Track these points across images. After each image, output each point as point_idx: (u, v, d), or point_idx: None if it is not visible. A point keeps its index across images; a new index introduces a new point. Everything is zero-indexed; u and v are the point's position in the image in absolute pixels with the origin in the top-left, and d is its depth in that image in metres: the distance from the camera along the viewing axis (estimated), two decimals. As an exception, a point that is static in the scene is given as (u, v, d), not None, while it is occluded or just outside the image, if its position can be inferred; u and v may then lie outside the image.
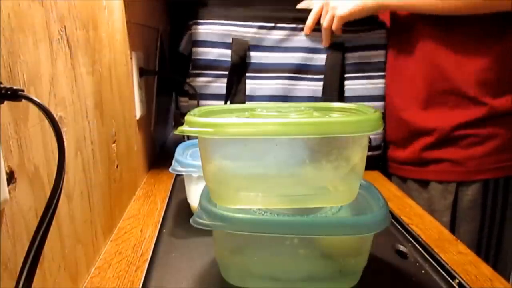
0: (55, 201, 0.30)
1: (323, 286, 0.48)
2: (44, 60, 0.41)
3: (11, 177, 0.34)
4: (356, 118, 0.44)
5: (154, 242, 0.59)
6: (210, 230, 0.47)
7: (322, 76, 0.90)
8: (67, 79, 0.46)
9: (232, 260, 0.50)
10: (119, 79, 0.69)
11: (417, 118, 0.85)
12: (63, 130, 0.45)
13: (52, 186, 0.31)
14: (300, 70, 0.90)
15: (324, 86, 0.89)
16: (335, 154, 0.44)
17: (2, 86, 0.30)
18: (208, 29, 0.89)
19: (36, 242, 0.29)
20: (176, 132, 0.43)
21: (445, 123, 0.81)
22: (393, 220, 0.66)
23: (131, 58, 0.78)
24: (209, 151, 0.47)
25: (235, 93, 0.89)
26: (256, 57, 0.89)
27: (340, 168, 0.45)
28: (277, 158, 0.46)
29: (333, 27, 0.85)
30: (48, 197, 0.30)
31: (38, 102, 0.31)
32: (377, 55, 0.90)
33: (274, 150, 0.45)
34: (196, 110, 0.49)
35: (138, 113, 0.82)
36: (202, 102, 0.90)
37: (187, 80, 0.91)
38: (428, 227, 0.66)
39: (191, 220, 0.45)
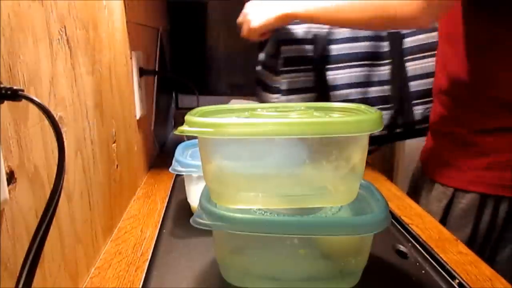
0: (55, 201, 0.30)
1: (323, 286, 0.48)
2: (44, 60, 0.41)
3: (11, 177, 0.34)
4: (356, 118, 0.44)
5: (154, 242, 0.59)
6: (210, 230, 0.47)
7: (390, 61, 0.97)
8: (67, 79, 0.46)
9: (232, 260, 0.50)
10: (119, 79, 0.69)
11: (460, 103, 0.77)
12: (63, 130, 0.45)
13: (52, 186, 0.31)
14: (372, 57, 0.98)
15: (392, 69, 0.97)
16: (335, 154, 0.44)
17: (2, 86, 0.30)
18: (292, 28, 0.96)
19: (36, 242, 0.29)
20: (176, 132, 0.43)
21: (475, 123, 0.73)
22: (393, 220, 0.66)
23: (131, 58, 0.78)
24: (209, 151, 0.47)
25: (319, 85, 0.97)
26: (334, 49, 0.97)
27: (340, 168, 0.45)
28: (277, 158, 0.46)
29: (250, 38, 0.88)
30: (48, 197, 0.30)
31: (38, 102, 0.31)
32: (430, 37, 0.96)
33: (274, 150, 0.45)
34: (196, 110, 0.49)
35: (138, 113, 0.82)
36: (291, 97, 0.95)
37: (280, 77, 0.96)
38: (428, 227, 0.66)
39: (191, 220, 0.45)
